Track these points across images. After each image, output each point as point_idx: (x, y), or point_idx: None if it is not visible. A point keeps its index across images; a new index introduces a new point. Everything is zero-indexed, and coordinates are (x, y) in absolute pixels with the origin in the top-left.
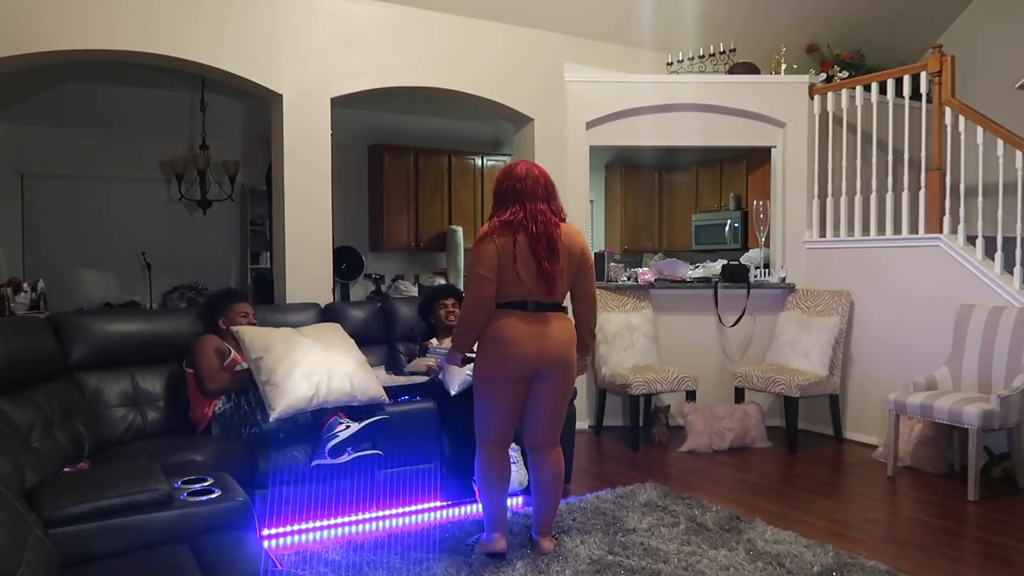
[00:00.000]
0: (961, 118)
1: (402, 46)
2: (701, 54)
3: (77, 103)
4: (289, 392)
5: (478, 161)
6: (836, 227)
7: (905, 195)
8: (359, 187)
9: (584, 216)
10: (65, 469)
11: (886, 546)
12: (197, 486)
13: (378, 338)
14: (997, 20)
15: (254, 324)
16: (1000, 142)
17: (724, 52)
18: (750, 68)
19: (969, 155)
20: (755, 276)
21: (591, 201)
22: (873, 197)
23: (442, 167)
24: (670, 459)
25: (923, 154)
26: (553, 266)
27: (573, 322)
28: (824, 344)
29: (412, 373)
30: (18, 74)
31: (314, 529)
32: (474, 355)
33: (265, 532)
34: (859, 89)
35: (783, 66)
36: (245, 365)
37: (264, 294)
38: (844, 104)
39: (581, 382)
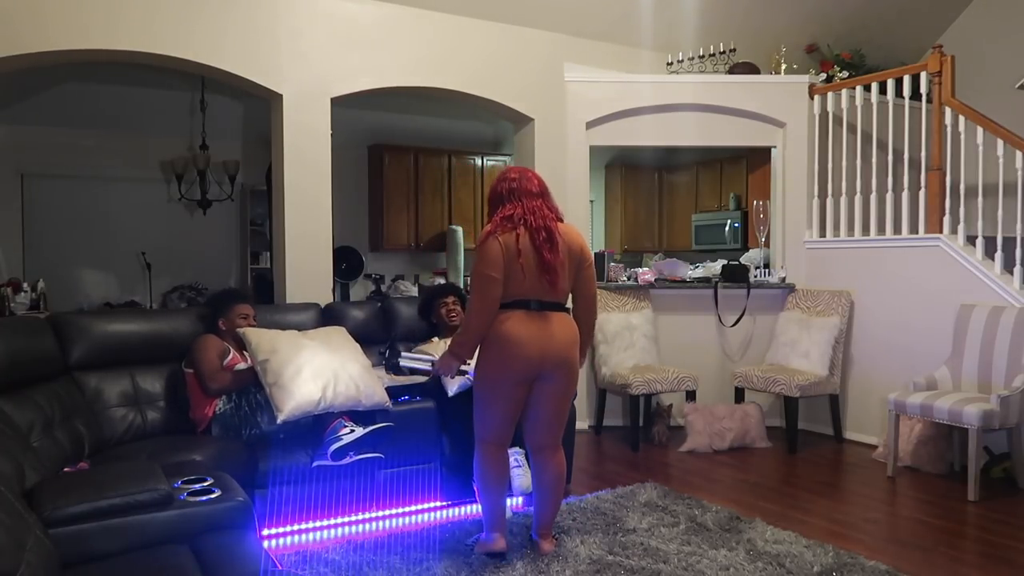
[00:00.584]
0: (961, 118)
1: (402, 46)
2: (701, 54)
3: (77, 103)
4: (296, 395)
5: (478, 161)
6: (836, 227)
7: (905, 195)
8: (359, 187)
9: (584, 216)
10: (65, 469)
11: (886, 546)
12: (197, 486)
13: (378, 338)
14: (997, 20)
15: (255, 325)
16: (1000, 142)
17: (724, 52)
18: (750, 68)
19: (969, 155)
20: (755, 276)
21: (591, 201)
22: (873, 197)
23: (442, 167)
24: (670, 459)
25: (923, 154)
26: (554, 257)
27: (575, 321)
28: (824, 344)
29: (412, 371)
30: (18, 74)
31: (314, 529)
32: (468, 366)
33: (265, 532)
34: (859, 89)
35: (783, 66)
36: (244, 365)
37: (264, 294)
38: (844, 104)
39: (581, 382)
